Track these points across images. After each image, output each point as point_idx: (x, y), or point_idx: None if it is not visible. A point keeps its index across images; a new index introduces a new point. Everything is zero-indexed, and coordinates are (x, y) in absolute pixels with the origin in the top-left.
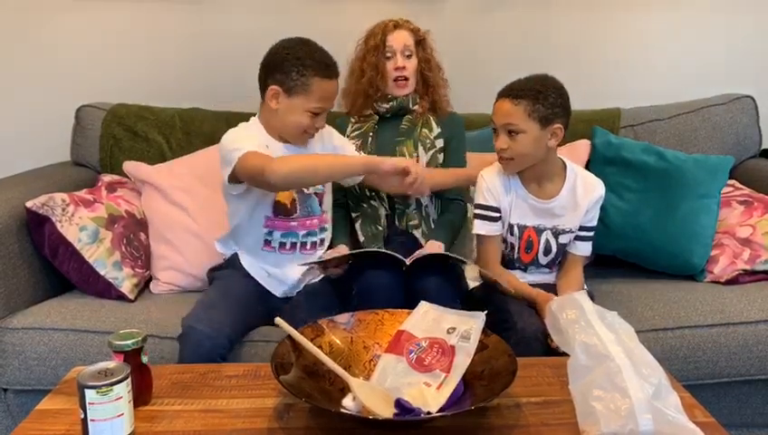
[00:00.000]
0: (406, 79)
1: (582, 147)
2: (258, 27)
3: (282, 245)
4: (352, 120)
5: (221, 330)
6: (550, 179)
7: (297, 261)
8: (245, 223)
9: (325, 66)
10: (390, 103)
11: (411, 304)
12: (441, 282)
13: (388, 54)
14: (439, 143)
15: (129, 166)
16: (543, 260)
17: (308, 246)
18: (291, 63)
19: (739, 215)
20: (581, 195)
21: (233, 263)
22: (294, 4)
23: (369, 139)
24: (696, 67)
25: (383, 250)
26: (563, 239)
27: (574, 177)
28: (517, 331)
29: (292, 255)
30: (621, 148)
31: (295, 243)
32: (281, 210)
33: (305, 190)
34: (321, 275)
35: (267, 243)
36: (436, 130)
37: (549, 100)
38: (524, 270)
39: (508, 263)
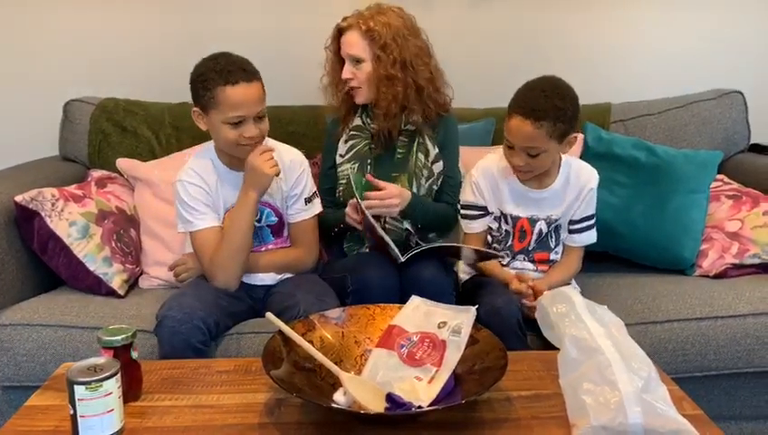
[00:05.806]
0: (357, 87)
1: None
2: (247, 22)
3: None
4: (347, 130)
5: (193, 313)
6: (547, 173)
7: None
8: None
9: (226, 73)
10: (375, 124)
11: (407, 296)
12: (436, 272)
13: (344, 61)
14: (435, 157)
15: (123, 163)
16: (534, 247)
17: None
18: (197, 82)
19: (728, 209)
20: (574, 184)
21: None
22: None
23: (368, 167)
24: (686, 62)
25: (388, 243)
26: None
27: (568, 169)
28: (486, 303)
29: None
30: (612, 143)
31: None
32: None
33: (256, 223)
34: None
35: None
36: (434, 152)
37: (568, 114)
38: (512, 257)
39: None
